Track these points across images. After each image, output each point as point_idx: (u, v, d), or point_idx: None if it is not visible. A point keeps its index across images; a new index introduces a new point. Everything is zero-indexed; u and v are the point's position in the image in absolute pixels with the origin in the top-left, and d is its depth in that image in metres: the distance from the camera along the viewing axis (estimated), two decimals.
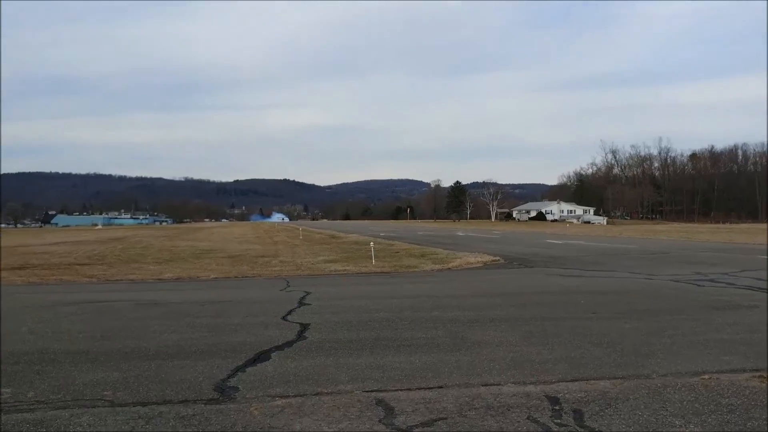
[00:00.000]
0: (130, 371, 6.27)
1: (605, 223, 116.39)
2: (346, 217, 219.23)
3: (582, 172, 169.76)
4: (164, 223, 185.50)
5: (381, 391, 5.44)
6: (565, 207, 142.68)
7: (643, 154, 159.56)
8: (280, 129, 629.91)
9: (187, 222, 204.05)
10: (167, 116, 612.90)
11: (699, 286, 12.79)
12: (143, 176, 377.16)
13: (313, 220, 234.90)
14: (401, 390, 5.46)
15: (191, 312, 9.97)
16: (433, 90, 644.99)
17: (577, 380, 5.74)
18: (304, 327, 8.42)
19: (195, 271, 17.72)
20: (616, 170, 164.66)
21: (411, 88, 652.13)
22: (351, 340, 7.58)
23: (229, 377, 5.98)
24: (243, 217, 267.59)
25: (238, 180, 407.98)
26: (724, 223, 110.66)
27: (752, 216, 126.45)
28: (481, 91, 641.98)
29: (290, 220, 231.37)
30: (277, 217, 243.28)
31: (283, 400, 5.22)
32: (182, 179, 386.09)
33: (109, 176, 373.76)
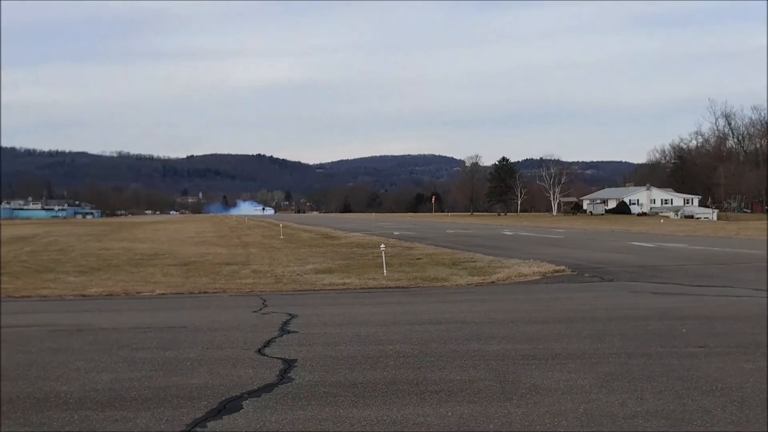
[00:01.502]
0: (43, 426, 6.30)
1: (715, 218, 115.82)
2: (346, 209, 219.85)
3: (682, 145, 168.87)
4: (89, 217, 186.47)
5: None
6: (658, 195, 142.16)
7: None
8: (252, 86, 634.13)
9: (121, 215, 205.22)
10: (91, 68, 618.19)
11: None
12: (59, 150, 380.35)
13: (300, 212, 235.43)
14: None
15: (129, 342, 10.02)
16: (471, 26, 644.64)
17: None
18: (289, 364, 8.45)
19: (133, 285, 17.82)
20: (731, 143, 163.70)
21: (439, 23, 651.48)
22: (355, 383, 7.59)
23: None
24: (201, 209, 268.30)
25: (192, 156, 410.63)
26: None
27: None
28: (540, 29, 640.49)
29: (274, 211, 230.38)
30: (253, 208, 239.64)
31: None
32: (114, 155, 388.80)
33: (12, 150, 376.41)
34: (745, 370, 7.99)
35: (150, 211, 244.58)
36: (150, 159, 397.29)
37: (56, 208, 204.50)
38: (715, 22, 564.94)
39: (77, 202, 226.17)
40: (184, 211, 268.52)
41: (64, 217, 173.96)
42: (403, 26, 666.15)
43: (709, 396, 6.98)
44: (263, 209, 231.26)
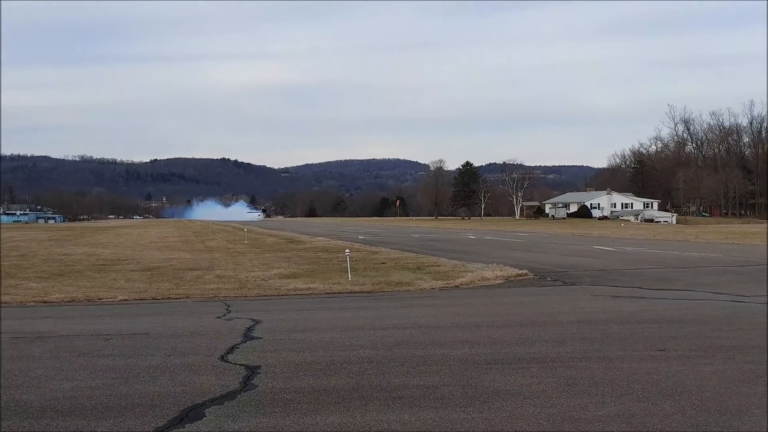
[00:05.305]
0: None
1: (674, 221, 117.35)
2: (311, 213, 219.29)
3: (642, 150, 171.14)
4: (51, 221, 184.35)
5: None
6: (619, 199, 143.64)
7: (727, 125, 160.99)
8: (218, 89, 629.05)
9: (83, 219, 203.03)
10: (55, 71, 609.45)
11: None
12: (20, 155, 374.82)
13: (266, 216, 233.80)
14: None
15: (90, 349, 9.90)
16: (437, 33, 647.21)
17: None
18: (252, 371, 8.39)
19: (95, 291, 17.60)
20: (689, 148, 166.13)
21: (405, 30, 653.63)
22: (319, 389, 7.55)
23: None
24: (172, 212, 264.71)
25: (156, 160, 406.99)
26: None
27: None
28: (503, 36, 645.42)
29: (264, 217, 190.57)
30: (245, 210, 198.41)
31: None
32: (77, 158, 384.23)
33: None
34: (704, 374, 8.08)
35: (113, 216, 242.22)
36: (113, 163, 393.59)
37: (18, 212, 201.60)
38: (676, 30, 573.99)
39: (39, 207, 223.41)
40: (147, 215, 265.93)
41: (26, 222, 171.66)
42: (369, 30, 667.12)
43: (669, 399, 7.04)
44: (259, 214, 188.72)
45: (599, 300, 15.27)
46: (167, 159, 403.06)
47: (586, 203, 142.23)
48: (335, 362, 8.85)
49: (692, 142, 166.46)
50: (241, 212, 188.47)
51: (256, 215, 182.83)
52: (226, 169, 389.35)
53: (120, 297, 16.51)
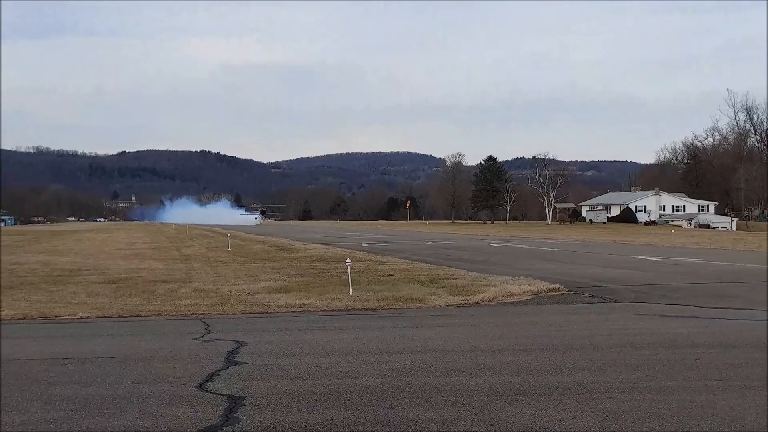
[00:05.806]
0: None
1: (734, 227, 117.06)
2: (306, 215, 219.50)
3: (697, 143, 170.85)
4: (1, 224, 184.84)
5: None
6: (668, 201, 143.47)
7: None
8: (198, 70, 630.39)
9: (38, 222, 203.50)
10: (3, 47, 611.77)
11: None
12: None
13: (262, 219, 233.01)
14: None
15: (45, 376, 9.92)
16: (455, 10, 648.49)
17: None
18: (236, 402, 8.40)
19: (52, 306, 17.63)
20: (752, 140, 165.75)
21: (418, 7, 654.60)
22: (313, 424, 7.56)
23: None
24: (142, 214, 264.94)
25: (124, 152, 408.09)
26: None
27: None
28: (530, 13, 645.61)
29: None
30: (238, 213, 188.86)
31: None
32: (31, 150, 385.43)
33: None
34: None
35: (73, 218, 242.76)
36: (74, 155, 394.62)
37: None
38: (737, 9, 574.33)
39: None
40: (113, 217, 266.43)
41: None
42: (379, 10, 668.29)
43: None
44: (257, 217, 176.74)
45: (644, 320, 15.25)
46: (137, 151, 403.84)
47: (630, 205, 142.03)
48: (333, 392, 8.86)
49: (755, 134, 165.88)
50: (232, 214, 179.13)
51: (253, 218, 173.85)
52: (206, 163, 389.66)
53: (80, 314, 16.53)
